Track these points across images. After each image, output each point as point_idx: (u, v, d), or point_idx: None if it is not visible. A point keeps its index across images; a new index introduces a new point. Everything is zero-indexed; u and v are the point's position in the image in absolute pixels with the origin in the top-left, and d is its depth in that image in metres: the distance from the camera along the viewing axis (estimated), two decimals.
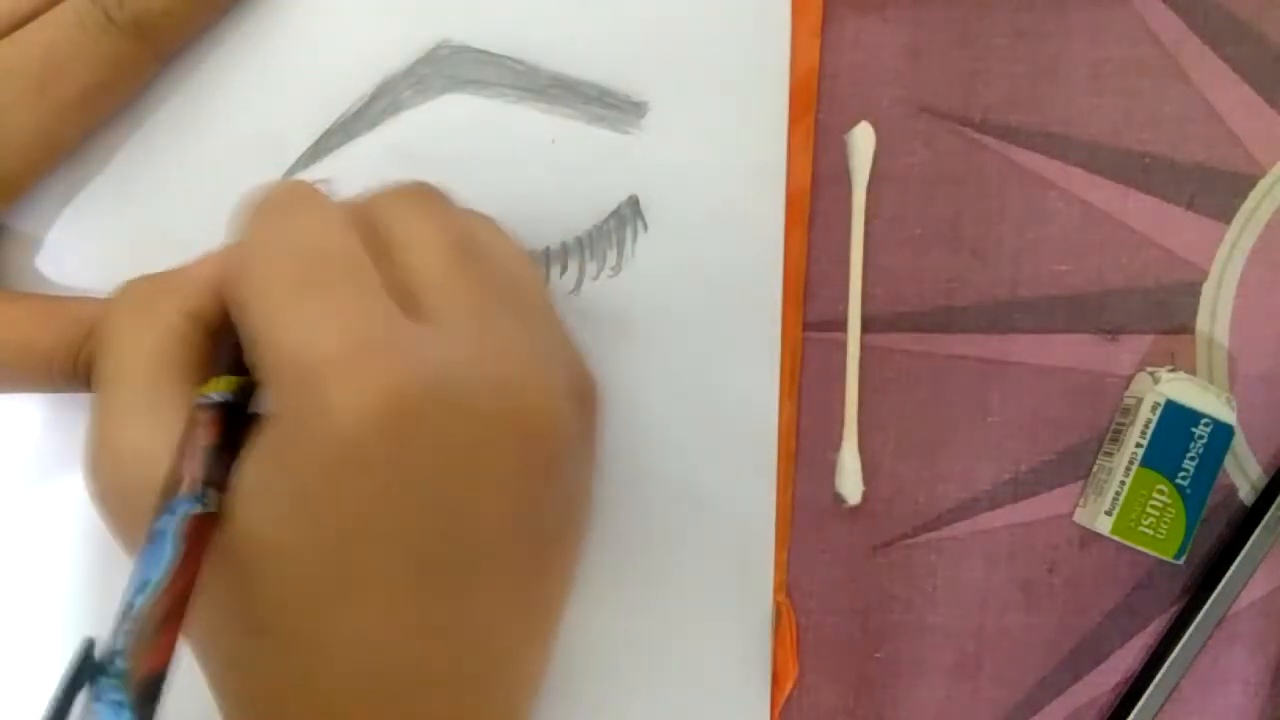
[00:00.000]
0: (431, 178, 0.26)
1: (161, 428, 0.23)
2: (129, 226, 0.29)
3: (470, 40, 0.30)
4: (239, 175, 0.29)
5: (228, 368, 0.24)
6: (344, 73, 0.29)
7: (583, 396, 0.25)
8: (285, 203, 0.24)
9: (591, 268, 0.30)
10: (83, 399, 0.29)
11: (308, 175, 0.30)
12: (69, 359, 0.27)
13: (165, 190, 0.29)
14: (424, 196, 0.25)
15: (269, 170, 0.30)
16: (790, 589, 0.32)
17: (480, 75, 0.30)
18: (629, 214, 0.30)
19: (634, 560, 0.31)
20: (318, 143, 0.30)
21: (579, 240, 0.30)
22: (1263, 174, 0.32)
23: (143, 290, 0.25)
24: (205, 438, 0.22)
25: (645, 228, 0.30)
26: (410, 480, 0.22)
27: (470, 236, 0.25)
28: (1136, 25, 0.31)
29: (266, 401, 0.23)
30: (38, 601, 0.30)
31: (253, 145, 0.29)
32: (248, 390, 0.24)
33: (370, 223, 0.24)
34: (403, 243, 0.24)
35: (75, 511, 0.30)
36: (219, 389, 0.23)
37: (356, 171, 0.29)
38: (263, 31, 0.29)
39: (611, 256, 0.30)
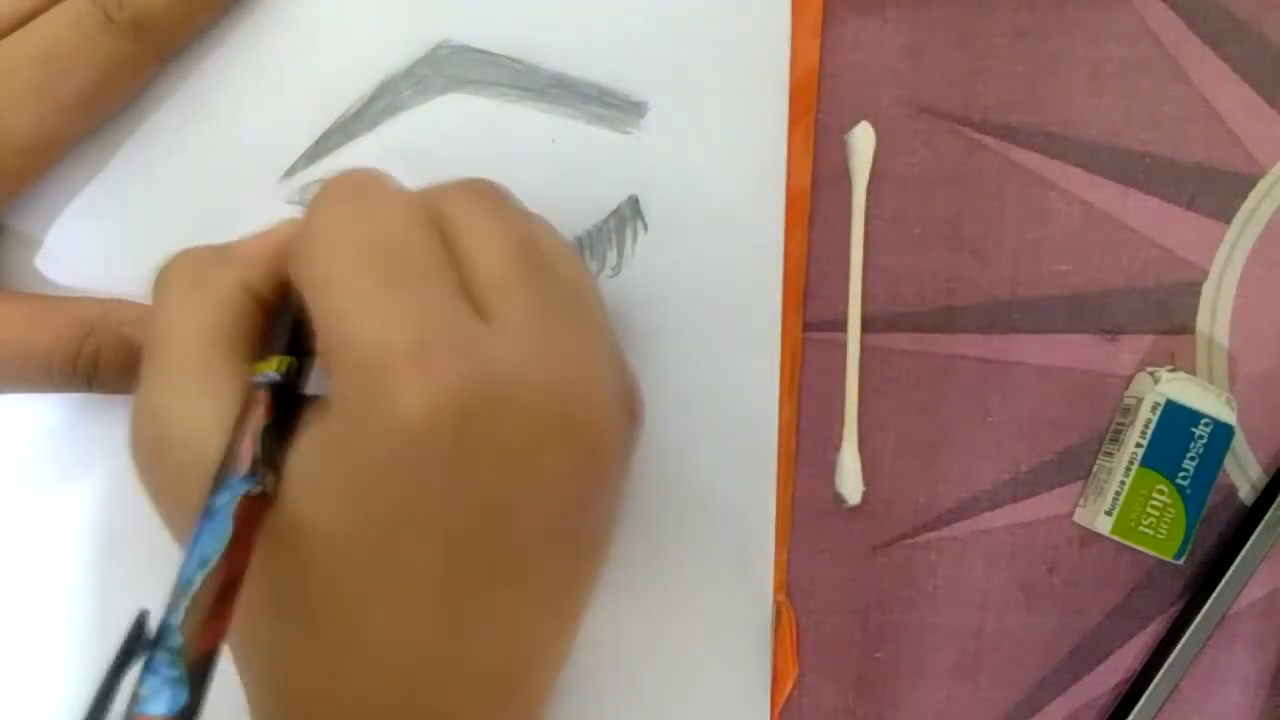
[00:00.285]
0: (431, 178, 0.26)
1: (210, 400, 0.23)
2: (129, 226, 0.29)
3: (470, 40, 0.30)
4: (239, 175, 0.29)
5: (280, 346, 0.24)
6: (344, 73, 0.29)
7: (631, 408, 0.25)
8: (360, 189, 0.24)
9: (591, 268, 0.30)
10: (83, 399, 0.29)
11: (308, 175, 0.30)
12: (69, 359, 0.27)
13: (165, 190, 0.29)
14: (491, 195, 0.25)
15: (269, 170, 0.30)
16: (790, 589, 0.32)
17: (480, 75, 0.30)
18: (629, 214, 0.30)
19: (634, 560, 0.31)
20: (318, 143, 0.30)
21: (579, 240, 0.30)
22: (1263, 174, 0.32)
23: (200, 259, 0.25)
24: (262, 418, 0.22)
25: (645, 228, 0.30)
26: (465, 479, 0.22)
27: (534, 240, 0.25)
28: (1136, 25, 0.31)
29: (327, 386, 0.23)
30: (38, 601, 0.30)
31: (253, 145, 0.29)
32: (298, 371, 0.24)
33: (441, 217, 0.24)
34: (470, 240, 0.24)
35: (76, 511, 0.30)
36: (273, 368, 0.23)
37: None
38: (263, 31, 0.29)
39: (611, 256, 0.30)
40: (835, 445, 0.32)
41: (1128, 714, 0.32)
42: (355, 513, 0.22)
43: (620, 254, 0.30)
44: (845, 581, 0.32)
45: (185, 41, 0.29)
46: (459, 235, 0.24)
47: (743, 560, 0.31)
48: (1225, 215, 0.32)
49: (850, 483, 0.32)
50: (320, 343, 0.23)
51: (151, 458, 0.24)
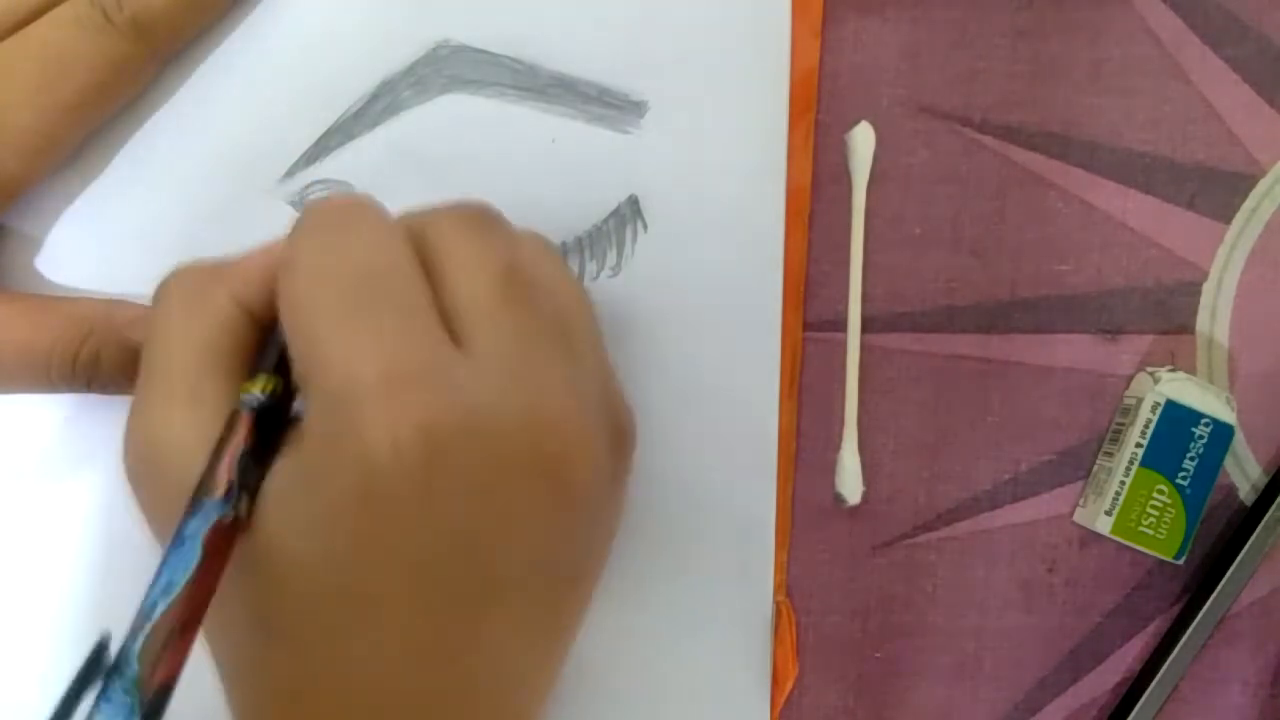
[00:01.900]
0: (431, 178, 0.26)
1: (201, 420, 0.23)
2: (129, 226, 0.29)
3: (470, 40, 0.30)
4: (239, 175, 0.29)
5: (268, 365, 0.24)
6: (344, 73, 0.29)
7: (618, 436, 0.25)
8: (343, 217, 0.24)
9: (591, 268, 0.30)
10: (83, 399, 0.29)
11: (308, 175, 0.30)
12: (67, 359, 0.27)
13: (165, 190, 0.29)
14: (478, 219, 0.25)
15: (269, 170, 0.30)
16: (790, 589, 0.32)
17: (480, 75, 0.30)
18: (629, 214, 0.30)
19: (634, 560, 0.31)
20: (318, 143, 0.30)
21: (579, 240, 0.30)
22: (1263, 174, 0.32)
23: (196, 276, 0.25)
24: (241, 441, 0.22)
25: (645, 228, 0.30)
26: (435, 513, 0.22)
27: (521, 264, 0.24)
28: (1136, 25, 0.31)
29: (304, 412, 0.23)
30: (38, 602, 0.30)
31: (253, 145, 0.29)
32: (289, 392, 0.24)
33: (425, 242, 0.24)
34: (453, 266, 0.24)
35: (77, 512, 0.30)
36: (261, 389, 0.23)
37: (357, 171, 0.29)
38: (263, 31, 0.29)
39: (611, 256, 0.30)
40: (835, 445, 0.32)
41: (1128, 714, 0.32)
42: (324, 542, 0.22)
43: (620, 254, 0.30)
44: (845, 581, 0.32)
45: (185, 42, 0.29)
46: (441, 262, 0.24)
47: (743, 560, 0.31)
48: (1225, 215, 0.32)
49: (850, 483, 0.32)
50: (294, 369, 0.23)
51: (141, 478, 0.24)
